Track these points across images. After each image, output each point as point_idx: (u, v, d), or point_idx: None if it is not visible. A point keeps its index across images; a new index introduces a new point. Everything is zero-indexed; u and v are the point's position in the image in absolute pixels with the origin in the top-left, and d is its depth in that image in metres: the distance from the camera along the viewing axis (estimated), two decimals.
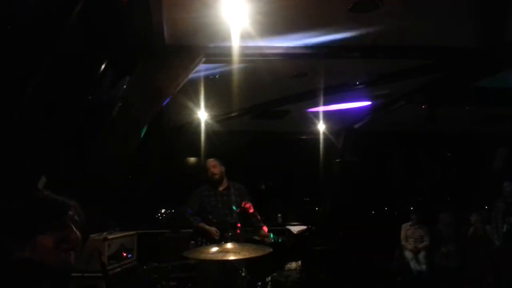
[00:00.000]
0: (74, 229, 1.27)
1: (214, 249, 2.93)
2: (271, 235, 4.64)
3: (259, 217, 4.38)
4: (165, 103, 4.07)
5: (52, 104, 2.72)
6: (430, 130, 7.25)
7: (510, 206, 5.57)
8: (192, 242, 4.55)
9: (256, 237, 4.54)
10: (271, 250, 2.93)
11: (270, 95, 5.37)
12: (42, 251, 1.19)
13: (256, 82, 4.56)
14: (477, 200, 6.87)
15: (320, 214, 7.66)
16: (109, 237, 4.06)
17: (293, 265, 5.95)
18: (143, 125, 3.85)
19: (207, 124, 6.03)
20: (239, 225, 4.12)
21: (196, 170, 7.66)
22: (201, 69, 3.91)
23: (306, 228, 5.71)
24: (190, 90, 4.61)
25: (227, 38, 3.23)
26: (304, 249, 5.69)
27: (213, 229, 4.24)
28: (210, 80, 4.40)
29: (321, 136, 7.10)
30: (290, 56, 3.82)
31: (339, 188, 7.48)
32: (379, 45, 3.76)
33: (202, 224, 4.30)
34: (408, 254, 6.26)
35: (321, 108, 5.78)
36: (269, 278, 5.49)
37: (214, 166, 4.44)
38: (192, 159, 7.94)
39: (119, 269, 4.11)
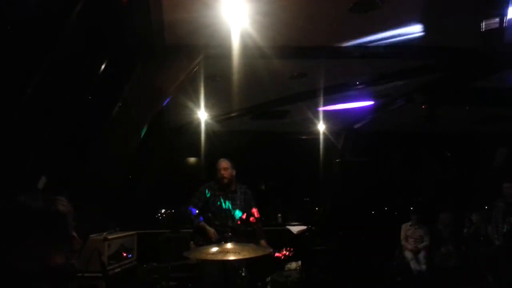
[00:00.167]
0: (76, 236, 1.27)
1: (214, 249, 2.93)
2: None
3: (261, 229, 4.32)
4: (165, 103, 4.07)
5: (52, 104, 2.72)
6: (430, 130, 7.25)
7: (510, 206, 5.57)
8: (192, 242, 4.53)
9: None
10: (271, 250, 2.93)
11: (270, 95, 5.37)
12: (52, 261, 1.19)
13: (256, 82, 4.56)
14: (477, 200, 6.87)
15: (320, 214, 7.65)
16: (109, 237, 4.06)
17: (293, 265, 5.95)
18: (143, 125, 3.85)
19: (207, 124, 6.02)
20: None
21: (196, 170, 7.67)
22: (201, 69, 3.91)
23: (306, 228, 5.70)
24: (190, 90, 4.61)
25: (227, 38, 3.23)
26: (304, 249, 5.68)
27: (212, 231, 4.22)
28: (210, 80, 4.40)
29: (321, 136, 7.10)
30: (290, 56, 3.82)
31: (339, 188, 7.48)
32: (379, 45, 3.76)
33: (203, 224, 4.29)
34: (408, 254, 6.26)
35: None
36: (269, 278, 5.49)
37: (226, 169, 4.33)
38: (192, 159, 7.94)
39: (119, 269, 4.11)
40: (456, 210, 6.64)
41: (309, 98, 5.25)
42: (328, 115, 6.18)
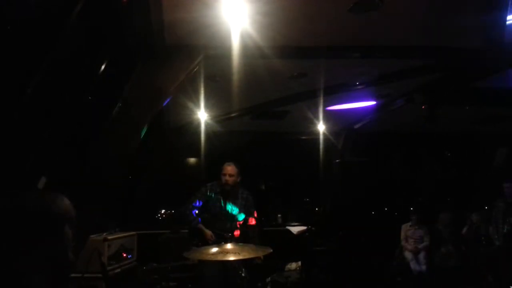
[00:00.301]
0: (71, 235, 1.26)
1: (214, 249, 2.93)
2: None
3: (255, 234, 4.27)
4: (165, 103, 4.07)
5: (52, 104, 2.72)
6: (430, 130, 7.25)
7: (510, 206, 5.57)
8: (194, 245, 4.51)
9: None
10: (271, 250, 2.93)
11: (270, 95, 5.37)
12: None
13: (256, 82, 4.56)
14: (477, 200, 6.87)
15: (320, 214, 7.66)
16: (109, 237, 4.06)
17: (293, 265, 5.96)
18: (143, 125, 3.85)
19: (207, 124, 6.03)
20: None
21: (196, 170, 7.67)
22: (201, 69, 3.91)
23: (306, 229, 5.70)
24: (190, 90, 4.61)
25: (227, 38, 3.23)
26: (304, 249, 5.69)
27: (209, 233, 4.22)
28: (210, 80, 4.40)
29: (321, 136, 7.10)
30: (290, 56, 3.82)
31: (339, 188, 7.48)
32: (379, 45, 3.76)
33: (200, 226, 4.29)
34: (408, 255, 6.26)
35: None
36: (269, 279, 5.50)
37: (231, 176, 4.29)
38: (192, 159, 7.94)
39: (119, 270, 4.11)
40: (456, 210, 6.64)
41: (309, 98, 5.25)
42: (328, 115, 6.18)
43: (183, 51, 3.56)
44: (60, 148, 3.09)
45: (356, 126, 7.14)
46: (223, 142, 6.65)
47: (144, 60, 3.53)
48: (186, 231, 5.21)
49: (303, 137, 7.73)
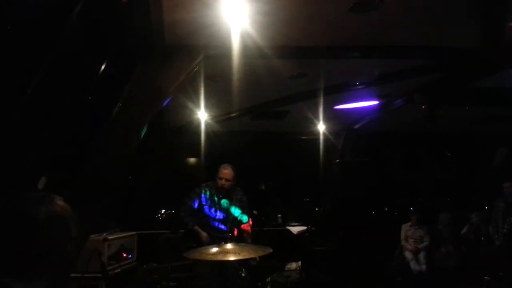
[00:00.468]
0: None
1: (214, 249, 2.93)
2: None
3: (248, 238, 4.29)
4: (165, 103, 4.07)
5: (52, 104, 2.72)
6: (430, 130, 7.25)
7: (510, 206, 5.57)
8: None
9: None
10: (271, 250, 2.93)
11: (270, 95, 5.37)
12: None
13: (256, 82, 4.56)
14: (477, 200, 6.87)
15: (320, 214, 7.66)
16: (109, 237, 4.05)
17: (293, 265, 5.96)
18: (143, 125, 3.84)
19: (207, 124, 6.03)
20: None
21: (196, 170, 7.67)
22: (201, 69, 3.91)
23: (306, 229, 5.70)
24: (190, 90, 4.61)
25: (227, 38, 3.23)
26: (304, 249, 5.69)
27: (204, 235, 4.21)
28: (210, 80, 4.40)
29: (321, 136, 7.10)
30: (290, 56, 3.82)
31: (339, 188, 7.48)
32: (379, 45, 3.76)
33: (196, 228, 4.28)
34: (408, 255, 6.26)
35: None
36: (269, 279, 5.49)
37: (227, 180, 4.21)
38: (192, 159, 7.94)
39: (119, 270, 4.11)
40: (456, 210, 6.65)
41: (309, 98, 5.25)
42: (328, 115, 6.18)
43: (183, 51, 3.56)
44: (60, 148, 3.09)
45: (356, 126, 7.14)
46: (223, 142, 6.65)
47: (144, 60, 3.53)
48: (183, 231, 5.21)
49: (303, 137, 7.73)
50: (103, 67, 3.00)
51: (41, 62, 2.34)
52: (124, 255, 4.29)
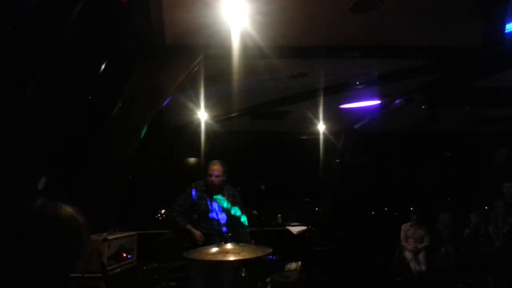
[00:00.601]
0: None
1: (214, 249, 2.93)
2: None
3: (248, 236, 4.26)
4: (165, 103, 4.07)
5: (52, 104, 2.72)
6: (430, 130, 7.25)
7: (510, 206, 5.57)
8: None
9: None
10: (271, 250, 2.93)
11: (270, 95, 5.37)
12: None
13: (256, 82, 4.56)
14: (477, 200, 6.87)
15: (320, 214, 7.65)
16: (109, 237, 4.05)
17: (293, 265, 5.95)
18: (143, 125, 3.85)
19: (207, 124, 6.02)
20: None
21: (196, 170, 7.66)
22: (201, 69, 3.91)
23: (306, 229, 5.70)
24: (190, 90, 4.61)
25: (227, 38, 3.23)
26: (304, 249, 5.69)
27: (198, 234, 4.17)
28: (210, 80, 4.40)
29: (321, 136, 7.10)
30: (290, 56, 3.82)
31: (339, 188, 7.48)
32: (379, 45, 3.76)
33: (188, 226, 4.25)
34: (408, 255, 6.25)
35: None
36: (269, 279, 5.49)
37: (217, 176, 4.19)
38: (192, 159, 7.94)
39: (119, 270, 4.10)
40: (456, 211, 6.64)
41: (309, 98, 5.25)
42: (328, 115, 6.18)
43: (183, 51, 3.56)
44: (60, 148, 3.09)
45: (356, 126, 7.14)
46: (223, 142, 6.65)
47: (144, 60, 3.53)
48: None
49: (303, 137, 7.73)
50: (103, 67, 3.00)
51: (41, 62, 2.34)
52: (124, 255, 4.29)
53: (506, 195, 5.62)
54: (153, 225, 6.67)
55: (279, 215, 7.51)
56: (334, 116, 6.35)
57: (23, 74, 2.31)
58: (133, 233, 4.66)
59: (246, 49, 3.41)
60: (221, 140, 6.59)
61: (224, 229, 4.21)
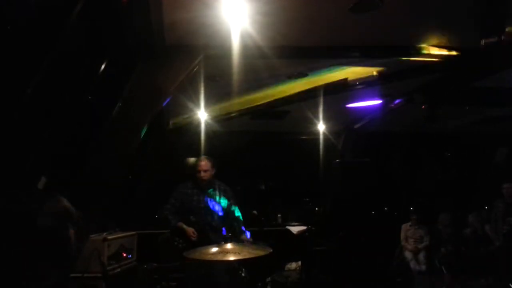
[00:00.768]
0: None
1: (214, 249, 2.94)
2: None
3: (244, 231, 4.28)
4: (165, 103, 4.07)
5: (52, 104, 2.72)
6: (430, 130, 7.25)
7: (509, 206, 5.57)
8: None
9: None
10: (271, 250, 2.93)
11: (270, 95, 5.37)
12: None
13: (256, 82, 4.56)
14: (477, 200, 6.87)
15: (320, 214, 7.65)
16: (109, 237, 4.05)
17: (293, 265, 5.95)
18: (143, 125, 3.85)
19: (207, 124, 6.02)
20: None
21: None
22: (201, 69, 3.91)
23: (306, 229, 5.70)
24: (190, 90, 4.61)
25: (227, 38, 3.23)
26: (304, 249, 5.68)
27: (190, 230, 4.18)
28: (210, 80, 4.40)
29: (321, 136, 7.10)
30: (290, 56, 3.82)
31: (339, 188, 7.48)
32: (379, 45, 3.76)
33: (180, 224, 4.26)
34: (408, 254, 6.26)
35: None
36: (269, 279, 5.49)
37: (206, 171, 4.29)
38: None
39: (119, 270, 4.10)
40: (456, 211, 6.64)
41: (309, 98, 5.25)
42: (328, 115, 6.18)
43: (183, 51, 3.57)
44: (60, 148, 3.09)
45: (356, 126, 7.14)
46: (223, 142, 6.64)
47: (144, 60, 3.53)
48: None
49: (303, 137, 7.73)
50: (103, 67, 3.00)
51: (41, 62, 2.34)
52: (124, 255, 4.29)
53: (505, 195, 5.63)
54: (153, 225, 6.67)
55: (279, 215, 7.51)
56: (334, 116, 6.35)
57: (23, 74, 2.31)
58: (133, 233, 4.66)
59: (246, 49, 3.42)
60: (221, 140, 6.58)
61: (219, 222, 4.22)
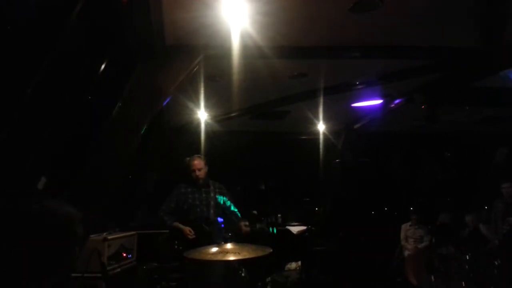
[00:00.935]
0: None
1: (214, 249, 2.94)
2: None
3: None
4: (165, 103, 4.07)
5: (52, 104, 2.72)
6: (430, 130, 7.25)
7: (509, 206, 5.57)
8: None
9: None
10: (271, 250, 2.93)
11: (270, 95, 5.37)
12: None
13: (256, 82, 4.56)
14: (477, 200, 6.87)
15: (320, 214, 7.65)
16: (109, 237, 4.05)
17: (293, 265, 5.96)
18: (143, 125, 3.84)
19: (207, 124, 6.02)
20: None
21: None
22: (201, 69, 3.91)
23: (306, 229, 5.70)
24: (190, 90, 4.61)
25: (227, 38, 3.23)
26: (304, 249, 5.69)
27: (187, 229, 4.19)
28: (210, 80, 4.40)
29: (321, 136, 7.10)
30: (290, 56, 3.82)
31: (339, 188, 7.48)
32: (379, 45, 3.76)
33: (176, 224, 4.27)
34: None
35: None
36: (269, 279, 5.49)
37: (200, 170, 4.34)
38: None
39: (119, 270, 4.10)
40: (456, 211, 6.64)
41: (309, 98, 5.25)
42: (328, 115, 6.18)
43: (183, 51, 3.56)
44: (60, 148, 3.09)
45: (356, 126, 7.14)
46: (223, 142, 6.64)
47: (144, 60, 3.53)
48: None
49: (303, 137, 7.73)
50: (103, 67, 3.00)
51: (41, 62, 2.34)
52: (124, 255, 4.29)
53: (505, 195, 5.62)
54: (153, 225, 6.67)
55: (279, 215, 7.51)
56: (334, 116, 6.35)
57: (23, 74, 2.31)
58: (133, 233, 4.67)
59: (246, 49, 3.41)
60: (221, 140, 6.59)
61: (219, 219, 4.24)
